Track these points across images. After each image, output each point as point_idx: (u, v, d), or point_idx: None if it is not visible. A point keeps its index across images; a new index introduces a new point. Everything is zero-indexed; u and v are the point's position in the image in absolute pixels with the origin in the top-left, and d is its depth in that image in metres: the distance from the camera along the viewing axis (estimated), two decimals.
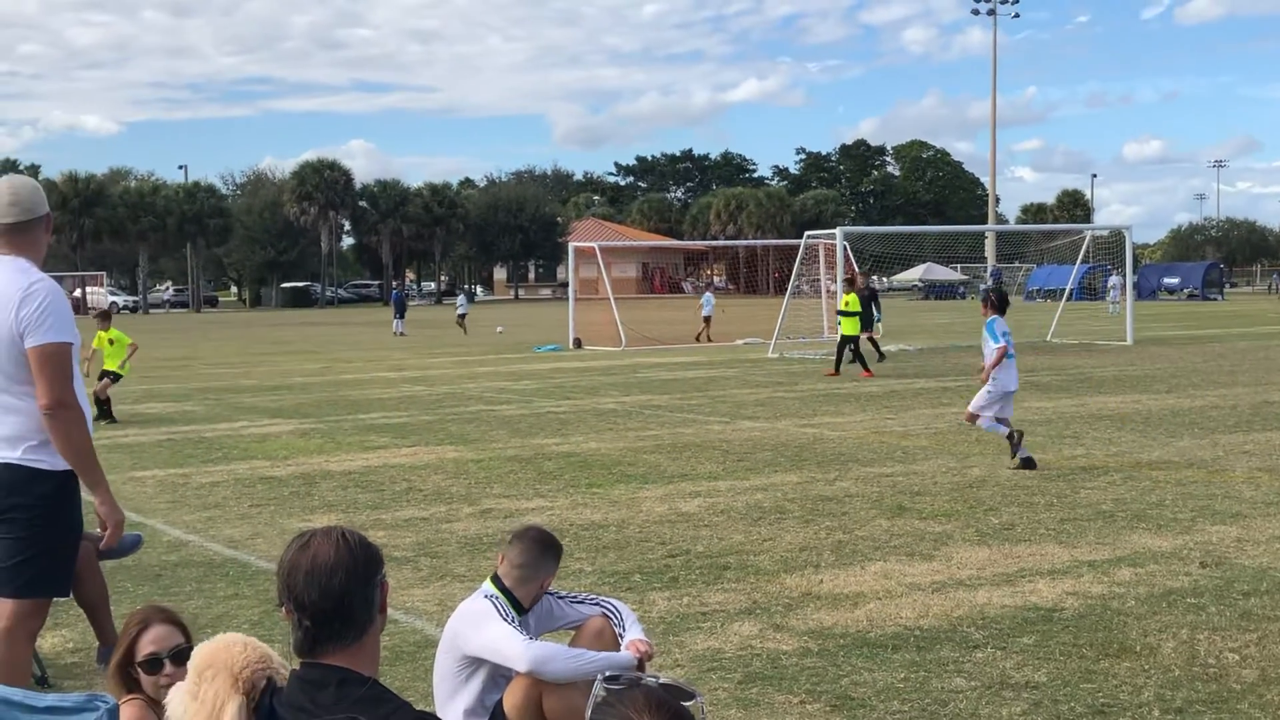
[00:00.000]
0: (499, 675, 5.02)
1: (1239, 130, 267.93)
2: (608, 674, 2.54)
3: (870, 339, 29.03)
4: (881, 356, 28.98)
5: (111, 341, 19.14)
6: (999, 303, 13.91)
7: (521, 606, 5.06)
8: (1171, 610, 7.59)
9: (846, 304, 26.50)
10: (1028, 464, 12.87)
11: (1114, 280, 51.86)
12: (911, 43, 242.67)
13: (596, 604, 5.39)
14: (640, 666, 5.03)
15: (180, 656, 4.05)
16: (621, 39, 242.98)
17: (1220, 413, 17.53)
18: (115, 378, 19.10)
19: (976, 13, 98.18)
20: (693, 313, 47.14)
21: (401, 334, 47.42)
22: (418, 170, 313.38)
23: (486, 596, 5.03)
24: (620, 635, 5.21)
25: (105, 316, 19.75)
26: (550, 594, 5.32)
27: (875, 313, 30.26)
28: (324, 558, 2.86)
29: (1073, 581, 8.31)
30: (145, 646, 4.26)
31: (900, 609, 7.75)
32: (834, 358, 26.05)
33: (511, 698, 4.95)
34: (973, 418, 13.79)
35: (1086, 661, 6.65)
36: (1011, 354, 13.53)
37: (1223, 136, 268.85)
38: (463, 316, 50.50)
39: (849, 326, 25.85)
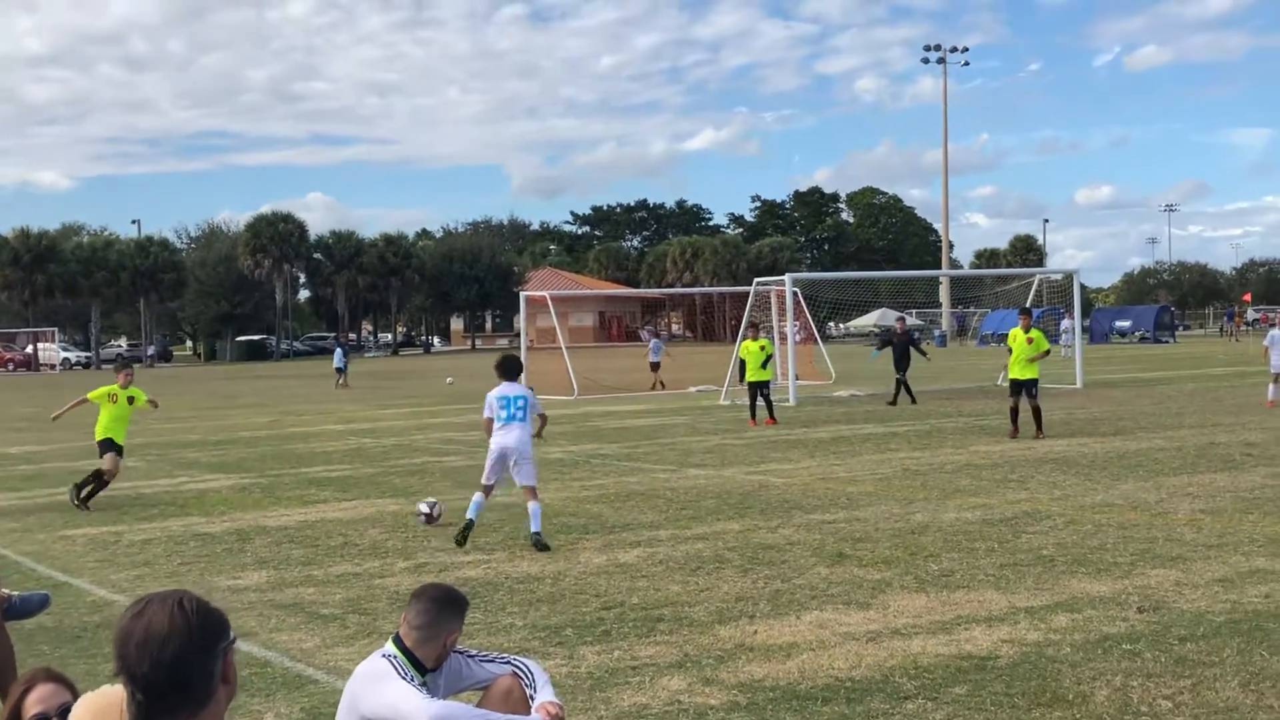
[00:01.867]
0: None
1: (1189, 174, 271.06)
2: None
3: (902, 382, 29.40)
4: (912, 399, 29.17)
5: (131, 400, 16.17)
6: None
7: (424, 666, 4.91)
8: (1107, 657, 7.49)
9: (751, 350, 26.07)
10: None
11: (1066, 324, 52.20)
12: (864, 92, 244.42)
13: (508, 663, 5.24)
14: None
15: (67, 713, 3.91)
16: (579, 90, 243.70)
17: (1166, 455, 17.54)
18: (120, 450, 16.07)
19: (926, 61, 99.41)
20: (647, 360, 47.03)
21: (345, 385, 46.82)
22: (376, 222, 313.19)
23: (385, 656, 4.88)
24: (531, 696, 5.05)
25: (128, 367, 16.73)
26: (459, 652, 5.17)
27: (909, 357, 30.35)
28: (157, 626, 2.67)
29: (1009, 629, 8.20)
30: (31, 706, 4.10)
31: (833, 659, 7.61)
32: (754, 406, 25.63)
33: None
34: None
35: (1018, 711, 6.53)
36: None
37: (1173, 181, 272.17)
38: (340, 370, 48.20)
39: (754, 374, 25.62)
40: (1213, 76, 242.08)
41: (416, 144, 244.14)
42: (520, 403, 12.44)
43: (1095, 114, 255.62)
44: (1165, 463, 16.67)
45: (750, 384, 25.71)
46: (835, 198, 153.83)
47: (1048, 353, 21.42)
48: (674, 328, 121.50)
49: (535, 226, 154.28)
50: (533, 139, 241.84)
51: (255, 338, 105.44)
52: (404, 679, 4.76)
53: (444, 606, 4.94)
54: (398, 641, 4.93)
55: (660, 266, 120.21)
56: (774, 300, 39.05)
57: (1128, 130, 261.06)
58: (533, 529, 11.88)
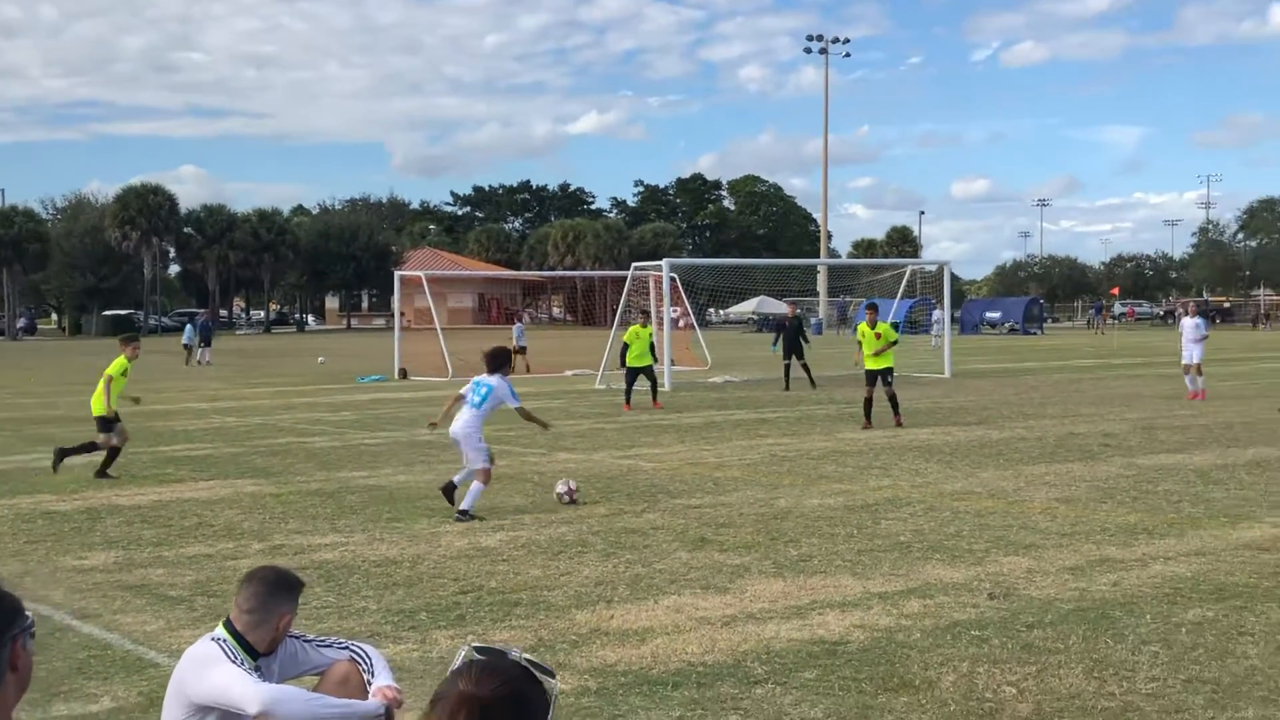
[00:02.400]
0: None
1: (1062, 170, 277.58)
2: (477, 645, 2.47)
3: (789, 367, 30.14)
4: (812, 383, 29.85)
5: (125, 373, 15.87)
6: None
7: (255, 651, 4.77)
8: (955, 643, 7.58)
9: (642, 335, 26.17)
10: None
11: (937, 314, 53.07)
12: (748, 80, 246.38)
13: (345, 648, 5.12)
14: (388, 714, 4.78)
15: None
16: (463, 69, 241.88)
17: (1026, 444, 17.87)
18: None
19: (809, 51, 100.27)
20: (531, 343, 46.81)
21: (208, 363, 46.06)
22: (251, 197, 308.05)
23: (215, 640, 4.74)
24: (368, 682, 4.94)
25: (137, 340, 16.44)
26: (295, 637, 5.04)
27: (804, 341, 30.77)
28: None
29: (862, 614, 8.27)
30: None
31: (687, 644, 7.60)
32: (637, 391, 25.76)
33: None
34: None
35: (865, 696, 6.57)
36: None
37: (1047, 176, 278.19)
38: (188, 347, 48.15)
39: (635, 359, 25.68)
40: (1088, 74, 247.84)
41: (294, 119, 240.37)
42: (482, 390, 12.73)
43: (973, 108, 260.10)
44: (1025, 452, 16.99)
45: (630, 369, 25.66)
46: (717, 185, 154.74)
47: (895, 342, 21.64)
48: (554, 311, 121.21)
49: (415, 206, 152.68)
50: (415, 117, 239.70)
51: (123, 312, 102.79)
52: (234, 663, 4.63)
53: (275, 589, 4.81)
54: (228, 625, 4.79)
55: (541, 249, 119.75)
56: (652, 285, 39.10)
57: (1004, 125, 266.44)
58: (460, 506, 12.17)
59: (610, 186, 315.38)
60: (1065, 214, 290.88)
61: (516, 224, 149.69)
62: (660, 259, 35.82)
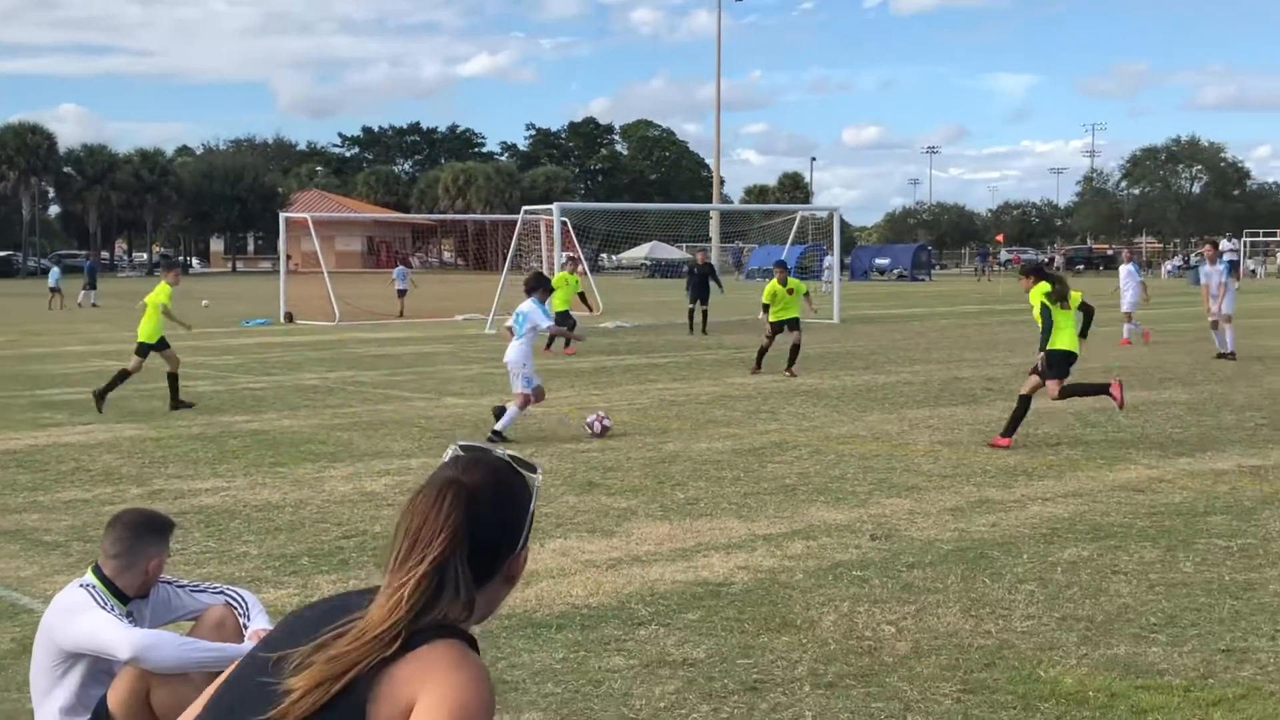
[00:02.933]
0: (100, 670, 4.61)
1: (951, 119, 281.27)
2: (463, 442, 2.57)
3: (694, 311, 30.40)
4: (704, 330, 29.99)
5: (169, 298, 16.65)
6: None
7: (125, 595, 4.67)
8: (837, 583, 7.66)
9: (571, 282, 26.45)
10: None
11: (828, 260, 53.44)
12: (641, 23, 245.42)
13: (220, 593, 5.03)
14: None
15: None
16: (353, 6, 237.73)
17: (911, 389, 18.12)
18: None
19: None
20: (421, 287, 46.42)
21: (94, 305, 45.06)
22: (133, 136, 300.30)
23: (83, 586, 4.63)
24: (244, 625, 4.86)
25: (178, 266, 18.14)
26: (168, 583, 4.93)
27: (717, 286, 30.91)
28: None
29: (746, 555, 8.33)
30: None
31: (572, 587, 7.60)
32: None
33: (116, 693, 4.56)
34: None
35: (747, 636, 6.62)
36: None
37: (936, 124, 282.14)
38: (55, 290, 46.67)
39: (560, 304, 25.69)
40: (977, 22, 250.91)
41: (179, 57, 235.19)
42: (520, 319, 13.88)
43: (865, 55, 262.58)
44: (910, 396, 17.22)
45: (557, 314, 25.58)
46: (610, 129, 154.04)
47: (807, 294, 21.67)
48: (445, 255, 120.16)
49: (302, 147, 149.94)
50: (303, 56, 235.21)
51: (0, 254, 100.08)
52: (103, 609, 4.52)
53: (142, 532, 4.69)
54: (97, 571, 4.67)
55: (432, 192, 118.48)
56: (543, 230, 38.90)
57: (895, 72, 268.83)
58: (495, 426, 13.46)
59: (501, 130, 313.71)
60: (954, 161, 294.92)
61: (406, 166, 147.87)
62: (552, 203, 35.63)
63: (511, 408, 13.57)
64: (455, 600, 2.36)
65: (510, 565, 2.49)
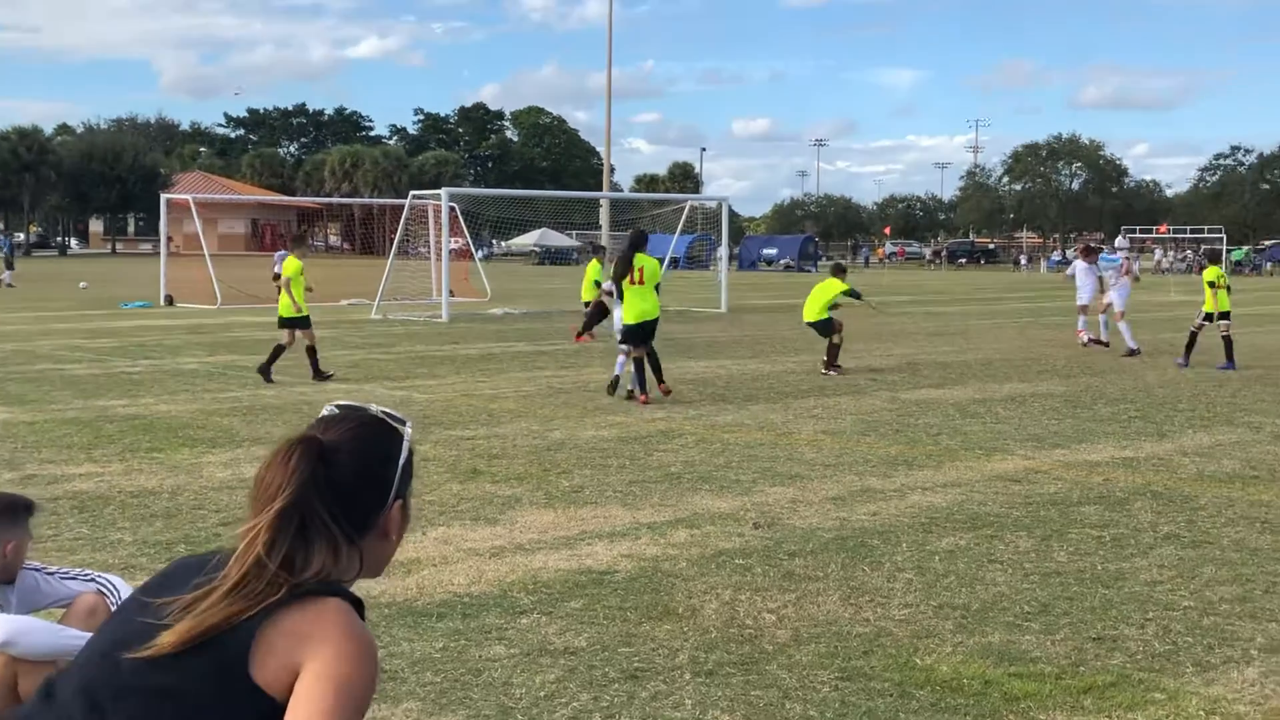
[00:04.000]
0: None
1: (839, 112, 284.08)
2: (340, 402, 2.62)
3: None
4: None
5: (301, 272, 17.84)
6: None
7: None
8: (719, 571, 7.70)
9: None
10: None
11: (719, 250, 53.70)
12: (532, 10, 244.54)
13: (91, 580, 4.90)
14: None
15: None
16: None
17: (796, 377, 18.27)
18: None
19: None
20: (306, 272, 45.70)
21: (9, 285, 44.59)
22: (10, 114, 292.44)
23: None
24: None
25: (305, 242, 19.67)
26: (35, 569, 4.79)
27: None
28: None
29: (630, 544, 8.33)
30: None
31: (454, 575, 7.54)
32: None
33: None
34: None
35: (629, 625, 6.62)
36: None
37: (824, 117, 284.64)
38: None
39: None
40: (865, 16, 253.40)
41: (58, 33, 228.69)
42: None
43: (755, 47, 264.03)
44: (795, 385, 17.36)
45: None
46: (500, 115, 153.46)
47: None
48: (331, 239, 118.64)
49: (185, 127, 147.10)
50: (187, 35, 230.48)
51: None
52: None
53: None
54: None
55: (318, 175, 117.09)
56: (431, 215, 38.57)
57: (785, 65, 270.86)
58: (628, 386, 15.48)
59: (390, 114, 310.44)
60: (841, 154, 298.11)
61: (292, 149, 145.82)
62: (441, 188, 35.32)
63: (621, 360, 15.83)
64: (325, 549, 2.42)
65: (384, 520, 2.53)
